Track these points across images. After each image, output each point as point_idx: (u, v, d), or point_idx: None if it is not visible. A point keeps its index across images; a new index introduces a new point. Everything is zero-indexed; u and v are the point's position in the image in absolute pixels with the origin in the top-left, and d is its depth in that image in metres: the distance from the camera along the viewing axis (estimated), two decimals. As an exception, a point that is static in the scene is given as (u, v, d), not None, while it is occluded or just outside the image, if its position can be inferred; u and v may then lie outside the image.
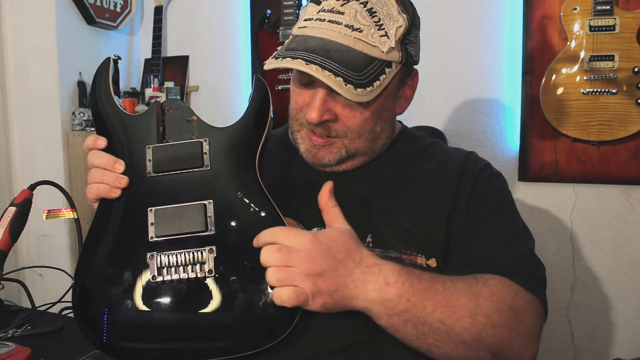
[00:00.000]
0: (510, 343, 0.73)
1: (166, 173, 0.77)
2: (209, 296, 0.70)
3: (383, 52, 0.78)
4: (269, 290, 0.69)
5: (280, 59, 0.78)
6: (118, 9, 2.12)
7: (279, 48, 0.84)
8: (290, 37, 0.85)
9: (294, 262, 0.66)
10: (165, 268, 0.72)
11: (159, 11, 2.17)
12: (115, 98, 0.82)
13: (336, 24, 0.78)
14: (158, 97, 2.02)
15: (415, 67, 0.89)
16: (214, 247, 0.72)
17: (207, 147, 0.78)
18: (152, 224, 0.74)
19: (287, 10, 1.92)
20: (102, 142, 0.78)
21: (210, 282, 0.71)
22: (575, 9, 1.61)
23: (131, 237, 0.74)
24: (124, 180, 0.76)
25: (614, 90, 1.58)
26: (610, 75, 1.58)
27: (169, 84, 2.12)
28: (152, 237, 0.73)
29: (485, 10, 1.79)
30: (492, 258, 0.80)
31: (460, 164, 0.90)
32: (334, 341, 0.77)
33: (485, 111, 1.82)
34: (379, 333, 0.76)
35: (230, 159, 0.78)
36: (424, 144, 0.95)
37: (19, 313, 1.18)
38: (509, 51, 1.77)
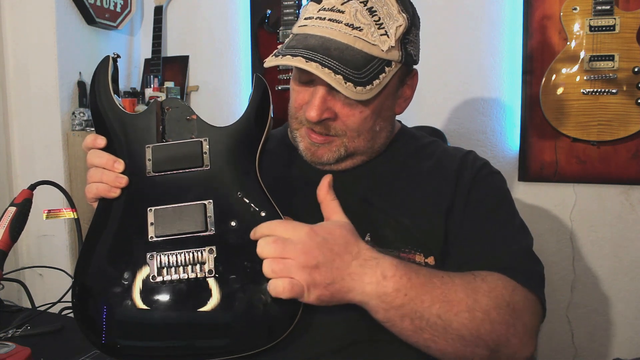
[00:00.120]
0: (508, 340, 0.73)
1: (166, 172, 0.77)
2: (208, 296, 0.70)
3: (383, 50, 0.78)
4: (266, 286, 0.69)
5: (281, 56, 0.78)
6: (118, 9, 2.12)
7: (279, 47, 0.84)
8: (291, 35, 0.85)
9: (290, 253, 0.66)
10: (165, 268, 0.71)
11: (159, 11, 2.17)
12: (115, 97, 0.81)
13: (336, 22, 0.78)
14: (158, 97, 2.02)
15: (415, 67, 0.89)
16: (214, 247, 0.72)
17: (207, 146, 0.78)
18: (151, 223, 0.74)
19: (287, 10, 1.92)
20: (102, 141, 0.78)
21: (210, 282, 0.71)
22: (575, 9, 1.61)
23: (131, 237, 0.74)
24: (124, 180, 0.76)
25: (614, 90, 1.58)
26: (610, 75, 1.58)
27: (169, 84, 2.12)
28: (151, 237, 0.73)
29: (485, 10, 1.79)
30: (490, 255, 0.80)
31: (459, 163, 0.90)
32: (334, 341, 0.77)
33: (485, 111, 1.82)
34: (378, 333, 0.76)
35: (230, 158, 0.78)
36: (423, 143, 0.95)
37: (19, 313, 1.18)
38: (509, 51, 1.78)
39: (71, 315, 0.75)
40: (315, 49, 0.77)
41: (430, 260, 0.81)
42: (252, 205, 0.74)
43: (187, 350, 0.71)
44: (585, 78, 1.61)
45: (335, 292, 0.68)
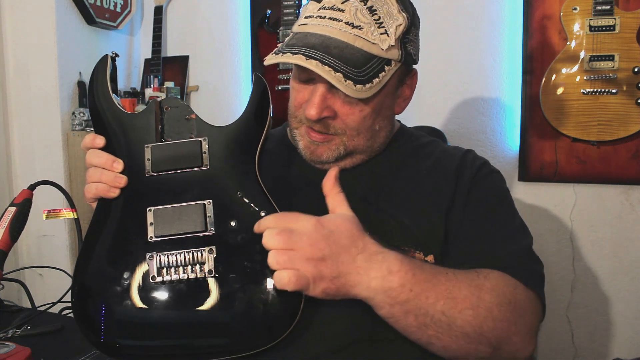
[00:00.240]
0: (510, 338, 0.73)
1: (165, 172, 0.77)
2: (208, 296, 0.70)
3: (383, 49, 0.78)
4: (268, 283, 0.69)
5: (281, 54, 0.78)
6: (118, 9, 2.12)
7: (279, 45, 0.84)
8: (291, 34, 0.85)
9: (296, 245, 0.65)
10: (165, 268, 0.71)
11: (159, 11, 2.17)
12: (113, 96, 0.81)
13: (336, 21, 0.78)
14: (158, 97, 2.02)
15: (414, 67, 0.89)
16: (213, 247, 0.72)
17: (207, 146, 0.78)
18: (151, 224, 0.74)
19: (287, 10, 1.92)
20: (101, 141, 0.78)
21: (210, 283, 0.71)
22: (575, 9, 1.61)
23: (130, 237, 0.74)
24: (123, 180, 0.75)
25: (614, 90, 1.58)
26: (610, 75, 1.58)
27: (169, 84, 2.12)
28: (151, 237, 0.73)
29: (485, 10, 1.79)
30: (490, 254, 0.80)
31: (459, 162, 0.90)
32: (334, 341, 0.77)
33: (485, 111, 1.82)
34: (378, 332, 0.76)
35: (230, 158, 0.78)
36: (422, 143, 0.95)
37: (19, 313, 1.18)
38: (509, 51, 1.77)
39: (71, 315, 0.75)
40: (315, 47, 0.77)
41: (430, 258, 0.81)
42: (251, 205, 0.74)
43: (186, 350, 0.71)
44: (585, 78, 1.61)
45: (340, 286, 0.67)
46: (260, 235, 0.70)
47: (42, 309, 1.16)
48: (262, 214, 0.73)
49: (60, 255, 1.97)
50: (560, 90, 1.65)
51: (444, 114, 1.86)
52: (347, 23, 0.77)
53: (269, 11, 1.98)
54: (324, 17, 0.79)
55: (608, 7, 1.57)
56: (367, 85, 0.77)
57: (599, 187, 1.69)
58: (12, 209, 0.82)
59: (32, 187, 0.85)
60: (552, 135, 1.70)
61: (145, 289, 0.71)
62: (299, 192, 0.87)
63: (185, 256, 0.72)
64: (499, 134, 1.81)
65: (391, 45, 0.78)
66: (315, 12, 0.81)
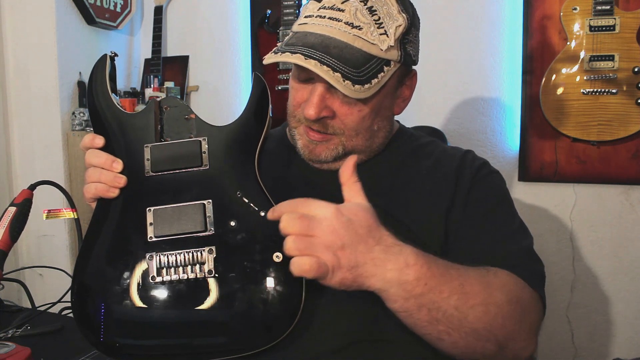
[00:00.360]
0: (516, 336, 0.73)
1: (165, 172, 0.77)
2: (208, 296, 0.70)
3: (382, 50, 0.78)
4: (269, 284, 0.68)
5: (280, 53, 0.78)
6: (118, 9, 2.12)
7: (278, 44, 0.84)
8: (291, 33, 0.85)
9: (316, 231, 0.64)
10: (165, 268, 0.71)
11: (159, 11, 2.17)
12: (113, 95, 0.81)
13: (336, 21, 0.78)
14: (158, 97, 2.02)
15: (414, 67, 0.89)
16: (213, 248, 0.72)
17: (206, 145, 0.77)
18: (150, 224, 0.74)
19: (287, 10, 1.92)
20: (100, 140, 0.77)
21: (210, 283, 0.71)
22: (575, 9, 1.61)
23: (130, 237, 0.74)
24: (122, 180, 0.75)
25: (614, 90, 1.58)
26: (610, 75, 1.58)
27: (169, 84, 2.12)
28: (151, 237, 0.73)
29: (485, 10, 1.79)
30: (491, 254, 0.80)
31: (458, 162, 0.90)
32: (334, 341, 0.77)
33: (485, 111, 1.82)
34: (379, 333, 0.76)
35: (229, 158, 0.78)
36: (422, 143, 0.95)
37: (19, 313, 1.18)
38: (509, 51, 1.77)
39: (71, 315, 0.75)
40: (315, 46, 0.77)
41: (431, 258, 0.81)
42: (251, 204, 0.74)
43: (186, 350, 0.71)
44: (585, 78, 1.61)
45: (357, 276, 0.65)
46: (260, 235, 0.70)
47: (42, 309, 1.16)
48: (262, 213, 0.73)
49: (60, 255, 1.97)
50: (560, 90, 1.65)
51: (443, 114, 1.86)
52: (346, 23, 0.77)
53: (269, 11, 1.98)
54: (324, 17, 0.79)
55: (608, 7, 1.57)
56: (366, 86, 0.77)
57: (599, 187, 1.69)
58: (12, 209, 0.82)
59: (32, 187, 0.85)
60: (552, 135, 1.70)
61: (145, 289, 0.71)
62: (298, 192, 0.86)
63: (185, 256, 0.71)
64: (499, 134, 1.81)
65: (390, 46, 0.78)
66: (315, 11, 0.81)
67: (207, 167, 0.77)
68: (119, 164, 0.76)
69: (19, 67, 1.99)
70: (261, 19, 2.00)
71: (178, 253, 0.72)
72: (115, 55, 0.84)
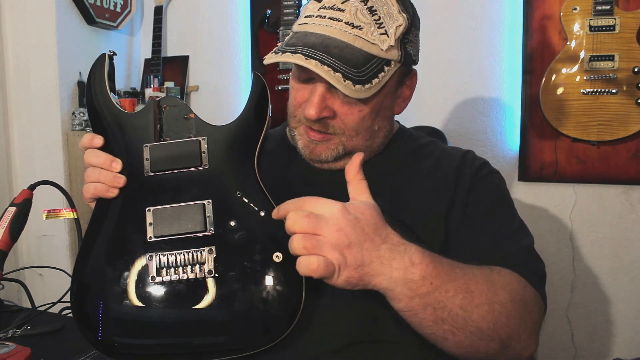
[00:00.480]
0: (519, 335, 0.73)
1: (164, 172, 0.76)
2: (208, 297, 0.70)
3: (382, 50, 0.78)
4: (269, 284, 0.68)
5: (280, 53, 0.78)
6: (118, 9, 2.12)
7: (279, 44, 0.84)
8: (291, 33, 0.85)
9: (323, 230, 0.63)
10: (165, 269, 0.71)
11: (159, 11, 2.17)
12: (111, 95, 0.80)
13: (337, 21, 0.78)
14: (157, 97, 2.02)
15: (414, 67, 0.89)
16: (213, 248, 0.72)
17: (206, 145, 0.77)
18: (150, 224, 0.73)
19: (287, 10, 1.92)
20: (99, 140, 0.77)
21: (210, 283, 0.71)
22: (575, 9, 1.61)
23: (129, 237, 0.74)
24: (122, 180, 0.75)
25: (614, 90, 1.58)
26: (610, 75, 1.58)
27: (169, 84, 2.12)
28: (150, 237, 0.73)
29: (485, 10, 1.79)
30: (490, 254, 0.80)
31: (458, 162, 0.90)
32: (334, 341, 0.77)
33: (485, 111, 1.82)
34: (379, 333, 0.76)
35: (229, 157, 0.77)
36: (421, 143, 0.95)
37: (19, 313, 1.17)
38: (509, 51, 1.77)
39: (71, 315, 0.75)
40: (315, 46, 0.77)
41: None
42: (251, 204, 0.74)
43: (186, 350, 0.71)
44: (585, 78, 1.61)
45: (363, 275, 0.65)
46: (260, 235, 0.70)
47: (42, 309, 1.16)
48: (262, 213, 0.73)
49: (60, 255, 1.97)
50: (560, 90, 1.65)
51: (444, 114, 1.86)
52: (347, 23, 0.77)
53: (269, 11, 1.98)
54: (324, 17, 0.79)
55: (608, 7, 1.57)
56: (367, 86, 0.77)
57: (599, 187, 1.69)
58: (12, 209, 0.82)
59: (32, 187, 0.85)
60: (552, 135, 1.70)
61: (145, 289, 0.71)
62: (298, 192, 0.86)
63: (184, 256, 0.71)
64: (499, 134, 1.81)
65: (391, 46, 0.78)
66: (315, 11, 0.81)
67: (207, 167, 0.77)
68: (118, 164, 0.76)
69: (19, 67, 1.99)
70: (261, 19, 2.00)
71: (178, 253, 0.72)
72: (114, 54, 0.84)
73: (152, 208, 0.74)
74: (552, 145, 1.72)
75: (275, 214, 0.68)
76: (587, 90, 1.61)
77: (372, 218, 0.66)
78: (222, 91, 2.18)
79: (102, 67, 0.81)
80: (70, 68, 1.96)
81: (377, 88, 0.78)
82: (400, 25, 0.78)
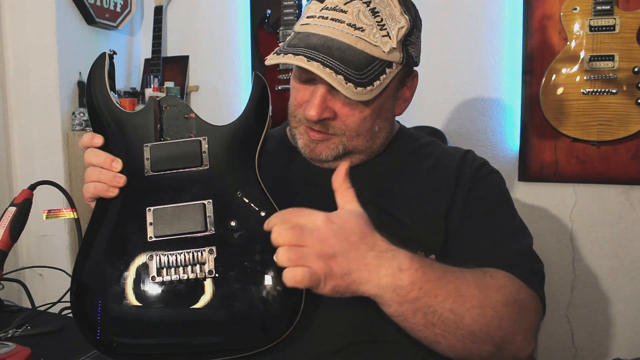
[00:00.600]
0: (514, 337, 0.73)
1: (164, 172, 0.76)
2: (208, 297, 0.70)
3: (384, 52, 0.77)
4: (269, 284, 0.68)
5: (282, 54, 0.78)
6: (118, 9, 2.12)
7: (280, 44, 0.84)
8: (292, 33, 0.84)
9: (307, 241, 0.64)
10: (165, 268, 0.71)
11: (159, 11, 2.17)
12: (112, 94, 0.80)
13: (339, 22, 0.78)
14: (158, 97, 2.02)
15: (415, 68, 0.89)
16: (214, 248, 0.72)
17: (206, 145, 0.77)
18: (150, 223, 0.73)
19: (287, 10, 1.92)
20: (99, 140, 0.77)
21: (210, 283, 0.71)
22: (575, 9, 1.61)
23: (130, 237, 0.74)
24: (122, 179, 0.75)
25: (614, 90, 1.58)
26: (610, 75, 1.58)
27: (169, 84, 2.12)
28: (150, 237, 0.73)
29: (485, 10, 1.79)
30: (490, 254, 0.80)
31: (458, 162, 0.90)
32: (334, 341, 0.77)
33: (485, 111, 1.82)
34: (379, 333, 0.76)
35: (230, 157, 0.77)
36: (422, 143, 0.96)
37: (19, 313, 1.17)
38: (509, 51, 1.77)
39: (71, 315, 0.75)
40: (317, 48, 0.77)
41: (432, 258, 0.81)
42: (251, 204, 0.74)
43: (186, 350, 0.71)
44: (585, 78, 1.61)
45: (350, 283, 0.66)
46: (260, 235, 0.70)
47: (42, 309, 1.16)
48: (262, 214, 0.73)
49: (60, 255, 1.97)
50: (560, 90, 1.65)
51: (444, 114, 1.86)
52: (349, 24, 0.77)
53: (269, 11, 1.98)
54: (326, 18, 0.79)
55: (608, 7, 1.57)
56: (368, 88, 0.76)
57: (599, 187, 1.69)
58: (12, 209, 0.82)
59: (32, 187, 0.85)
60: (552, 135, 1.70)
61: (145, 289, 0.71)
62: (299, 192, 0.87)
63: (185, 256, 0.71)
64: (499, 134, 1.81)
65: (393, 48, 0.78)
66: (317, 12, 0.80)
67: (207, 167, 0.77)
68: (118, 163, 0.76)
69: (19, 67, 1.99)
70: (261, 19, 2.00)
71: (178, 253, 0.72)
72: (114, 53, 0.84)
73: (152, 208, 0.74)
74: (552, 145, 1.72)
75: (266, 226, 0.69)
76: (587, 90, 1.61)
77: (357, 226, 0.67)
78: (222, 91, 2.18)
79: (103, 66, 0.81)
80: (70, 68, 1.96)
81: (378, 90, 0.78)
82: (402, 27, 0.78)
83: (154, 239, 0.73)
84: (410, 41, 0.82)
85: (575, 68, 1.62)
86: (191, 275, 0.71)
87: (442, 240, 0.83)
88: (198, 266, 0.71)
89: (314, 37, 0.78)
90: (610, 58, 1.58)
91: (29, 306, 1.25)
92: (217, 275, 0.71)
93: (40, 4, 1.90)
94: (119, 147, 0.78)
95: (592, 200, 1.71)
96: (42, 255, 2.01)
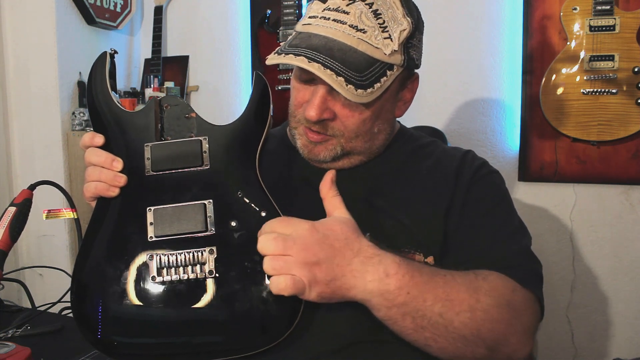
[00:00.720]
0: (507, 339, 0.73)
1: (165, 172, 0.76)
2: (209, 297, 0.70)
3: (385, 54, 0.77)
4: (267, 282, 0.69)
5: (283, 54, 0.77)
6: (118, 9, 2.12)
7: (281, 44, 0.84)
8: (294, 33, 0.84)
9: (290, 250, 0.66)
10: (165, 268, 0.71)
11: (159, 11, 2.17)
12: (112, 93, 0.80)
13: (341, 23, 0.78)
14: (158, 97, 2.02)
15: (416, 70, 0.89)
16: (214, 248, 0.72)
17: (207, 145, 0.77)
18: (151, 223, 0.73)
19: (287, 10, 1.92)
20: (100, 139, 0.77)
21: (211, 283, 0.71)
22: (575, 9, 1.61)
23: (130, 237, 0.74)
24: (122, 179, 0.75)
25: (614, 90, 1.58)
26: (610, 75, 1.58)
27: (169, 84, 2.12)
28: (151, 237, 0.73)
29: (485, 10, 1.79)
30: (488, 254, 0.80)
31: (458, 162, 0.90)
32: (334, 341, 0.77)
33: (485, 111, 1.82)
34: (379, 333, 0.76)
35: (230, 157, 0.77)
36: (422, 143, 0.95)
37: (19, 313, 1.17)
38: (509, 51, 1.77)
39: (71, 315, 0.75)
40: (318, 49, 0.76)
41: (430, 260, 0.81)
42: (252, 205, 0.74)
43: (186, 350, 0.70)
44: (585, 78, 1.61)
45: (336, 289, 0.67)
46: (260, 236, 0.70)
47: (42, 309, 1.16)
48: (263, 214, 0.73)
49: (60, 255, 1.97)
50: (560, 90, 1.65)
51: (444, 114, 1.86)
52: (351, 26, 0.77)
53: (269, 11, 1.98)
54: (329, 19, 0.79)
55: (608, 7, 1.57)
56: (368, 90, 0.76)
57: (599, 187, 1.69)
58: (12, 209, 0.82)
59: (32, 187, 0.85)
60: (552, 135, 1.70)
61: (145, 289, 0.71)
62: (299, 192, 0.87)
63: (185, 256, 0.71)
64: (499, 134, 1.81)
65: (394, 50, 0.78)
66: (319, 12, 0.80)
67: (208, 167, 0.77)
68: (119, 163, 0.76)
69: (19, 67, 1.99)
70: (261, 19, 2.00)
71: (179, 253, 0.72)
72: (115, 52, 0.84)
73: (152, 207, 0.74)
74: (552, 145, 1.72)
75: (258, 235, 0.70)
76: (587, 90, 1.61)
77: (342, 233, 0.68)
78: (222, 91, 2.18)
79: (104, 66, 0.81)
80: (70, 68, 1.96)
81: (378, 92, 0.78)
82: (404, 30, 0.78)
83: (154, 238, 0.73)
84: (412, 44, 0.81)
85: (575, 68, 1.62)
86: (191, 275, 0.71)
87: (442, 241, 0.83)
88: (198, 266, 0.71)
89: (315, 38, 0.78)
90: (610, 58, 1.58)
91: (29, 306, 1.25)
92: (217, 275, 0.71)
93: (40, 4, 1.91)
94: (120, 146, 0.78)
95: (592, 200, 1.71)
96: (42, 255, 2.01)
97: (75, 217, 0.87)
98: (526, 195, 1.77)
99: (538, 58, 1.72)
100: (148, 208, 0.74)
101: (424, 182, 0.88)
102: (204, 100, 2.21)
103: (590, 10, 1.59)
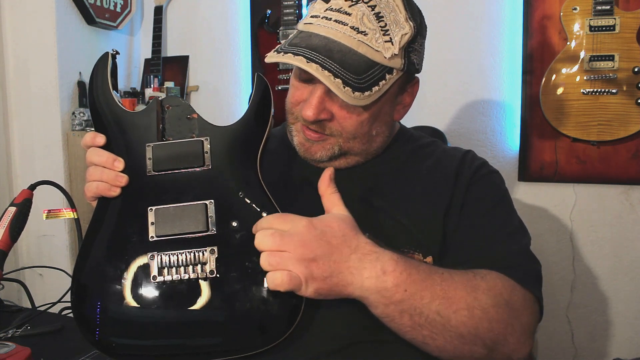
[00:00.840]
0: (505, 339, 0.73)
1: (166, 172, 0.77)
2: (209, 297, 0.70)
3: (385, 57, 0.77)
4: (265, 284, 0.69)
5: (282, 53, 0.77)
6: (118, 9, 2.12)
7: (282, 42, 0.84)
8: (295, 31, 0.84)
9: (287, 246, 0.66)
10: (166, 268, 0.71)
11: (159, 11, 2.17)
12: (114, 93, 0.80)
13: (342, 24, 0.77)
14: (159, 97, 2.02)
15: (417, 75, 0.88)
16: (215, 248, 0.72)
17: (208, 145, 0.77)
18: (152, 223, 0.73)
19: (287, 10, 1.92)
20: (101, 139, 0.77)
21: (211, 283, 0.71)
22: (575, 9, 1.61)
23: (131, 236, 0.74)
24: (124, 179, 0.75)
25: (614, 90, 1.58)
26: (610, 75, 1.58)
27: (169, 84, 2.12)
28: (152, 237, 0.73)
29: (485, 10, 1.79)
30: (487, 254, 0.80)
31: (458, 162, 0.90)
32: (334, 341, 0.77)
33: (485, 111, 1.82)
34: (379, 333, 0.76)
35: (232, 158, 0.78)
36: (422, 143, 0.95)
37: (19, 313, 1.17)
38: (509, 51, 1.78)
39: (71, 315, 0.75)
40: (318, 49, 0.76)
41: (429, 260, 0.81)
42: (253, 205, 0.74)
43: (186, 351, 0.70)
44: (585, 78, 1.61)
45: (333, 286, 0.67)
46: (261, 236, 0.70)
47: (42, 309, 1.16)
48: (264, 214, 0.73)
49: (60, 255, 1.97)
50: (560, 90, 1.65)
51: (444, 114, 1.86)
52: (352, 27, 0.77)
53: (269, 11, 1.98)
54: (330, 19, 0.78)
55: (608, 7, 1.57)
56: (366, 93, 0.76)
57: (599, 187, 1.70)
58: (12, 209, 0.82)
59: (32, 187, 0.85)
60: (552, 135, 1.70)
61: (146, 289, 0.71)
62: (300, 192, 0.87)
63: (186, 256, 0.71)
64: (499, 134, 1.81)
65: (394, 54, 0.77)
66: (321, 12, 0.80)
67: (209, 167, 0.77)
68: (120, 163, 0.76)
69: (19, 67, 1.99)
70: (261, 19, 2.00)
71: (180, 253, 0.72)
72: (117, 53, 0.84)
73: (154, 207, 0.74)
74: (552, 145, 1.72)
75: (254, 229, 0.71)
76: (587, 90, 1.61)
77: (339, 230, 0.68)
78: (222, 91, 2.18)
79: (105, 66, 0.81)
80: (70, 68, 1.96)
81: (376, 96, 0.78)
82: (405, 34, 0.78)
83: (155, 238, 0.73)
84: (413, 48, 0.81)
85: (575, 68, 1.62)
86: (192, 275, 0.71)
87: (441, 241, 0.83)
88: (199, 266, 0.71)
89: (315, 38, 0.78)
90: (610, 58, 1.58)
91: (29, 306, 1.25)
92: (218, 275, 0.71)
93: (40, 4, 1.90)
94: (121, 146, 0.78)
95: (592, 200, 1.71)
96: (42, 255, 2.01)
97: (75, 217, 0.87)
98: (526, 195, 1.77)
99: (538, 58, 1.72)
100: (149, 208, 0.74)
101: (423, 182, 0.88)
102: (204, 100, 2.21)
103: (590, 10, 1.59)
